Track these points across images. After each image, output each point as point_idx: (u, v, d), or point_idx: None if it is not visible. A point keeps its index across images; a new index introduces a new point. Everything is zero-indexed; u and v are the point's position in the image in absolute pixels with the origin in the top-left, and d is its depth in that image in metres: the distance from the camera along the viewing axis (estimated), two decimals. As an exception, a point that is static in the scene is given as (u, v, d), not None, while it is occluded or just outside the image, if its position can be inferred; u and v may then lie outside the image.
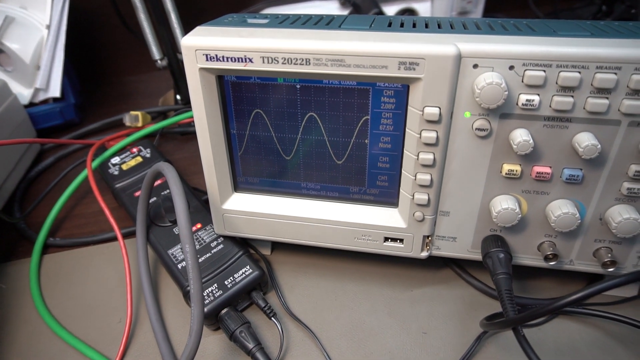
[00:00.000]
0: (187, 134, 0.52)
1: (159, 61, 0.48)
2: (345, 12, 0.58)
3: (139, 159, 0.43)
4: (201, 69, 0.29)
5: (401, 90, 0.28)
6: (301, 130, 0.31)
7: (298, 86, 0.30)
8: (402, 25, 0.30)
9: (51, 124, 0.51)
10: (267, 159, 0.33)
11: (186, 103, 0.53)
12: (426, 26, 0.30)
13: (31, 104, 0.51)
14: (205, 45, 0.28)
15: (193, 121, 0.51)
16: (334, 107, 0.30)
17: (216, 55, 0.28)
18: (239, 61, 0.28)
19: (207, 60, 0.28)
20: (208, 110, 0.30)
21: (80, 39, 0.54)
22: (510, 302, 0.27)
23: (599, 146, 0.26)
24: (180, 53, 0.49)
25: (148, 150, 0.44)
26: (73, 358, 0.33)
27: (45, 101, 0.52)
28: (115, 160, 0.43)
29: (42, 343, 0.34)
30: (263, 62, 0.28)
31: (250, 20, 0.31)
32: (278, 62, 0.28)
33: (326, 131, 0.31)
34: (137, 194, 0.41)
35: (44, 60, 0.49)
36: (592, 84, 0.25)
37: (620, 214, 0.28)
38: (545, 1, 0.68)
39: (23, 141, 0.39)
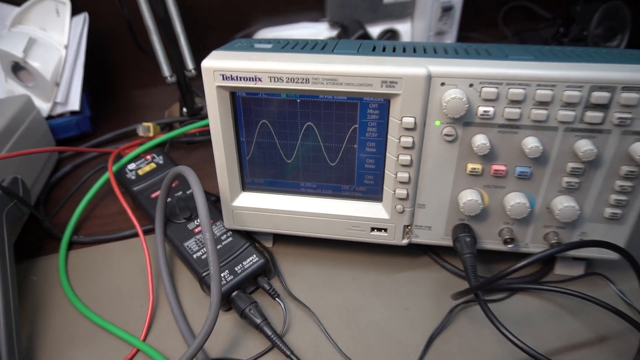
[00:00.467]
0: (193, 143, 0.57)
1: (168, 78, 0.54)
2: (334, 33, 0.64)
3: (153, 165, 0.49)
4: (218, 86, 0.35)
5: (383, 104, 0.34)
6: (300, 138, 0.37)
7: (298, 100, 0.36)
8: (384, 49, 0.36)
9: (68, 135, 0.56)
10: (271, 162, 0.39)
11: (191, 115, 0.58)
12: (404, 51, 0.36)
13: (49, 117, 0.56)
14: (222, 67, 0.34)
15: (198, 132, 0.56)
16: (328, 118, 0.36)
17: (231, 75, 0.34)
18: (249, 80, 0.34)
19: (223, 79, 0.34)
20: (222, 120, 0.36)
21: (92, 56, 0.59)
22: (473, 274, 0.33)
23: (541, 148, 0.32)
24: (188, 70, 0.55)
25: (161, 157, 0.50)
26: (103, 338, 0.38)
27: (61, 114, 0.57)
28: (132, 166, 0.49)
29: (74, 326, 0.39)
30: (270, 81, 0.34)
31: (257, 45, 0.37)
32: (283, 81, 0.34)
33: (321, 138, 0.37)
34: (153, 195, 0.46)
35: (64, 77, 0.54)
36: (534, 98, 0.32)
37: (561, 203, 0.34)
38: (513, 21, 0.75)
39: (50, 149, 0.44)
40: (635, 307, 0.37)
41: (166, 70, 0.53)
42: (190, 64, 0.54)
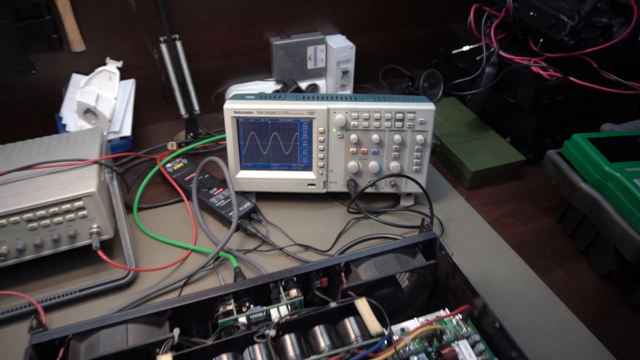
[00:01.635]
0: (197, 154, 0.94)
1: (183, 115, 0.91)
2: (278, 87, 1.04)
3: (181, 164, 0.85)
4: (231, 116, 0.73)
5: (310, 121, 0.74)
6: (270, 140, 0.76)
7: (269, 122, 0.75)
8: (309, 98, 0.77)
9: (119, 152, 0.90)
10: (255, 153, 0.77)
11: (194, 137, 0.95)
12: (318, 98, 0.76)
13: (104, 141, 0.90)
14: (234, 107, 0.72)
15: (200, 147, 0.93)
16: (283, 130, 0.75)
17: (238, 111, 0.72)
18: (247, 113, 0.73)
19: (234, 113, 0.73)
20: (232, 133, 0.74)
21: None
22: (354, 196, 0.74)
23: (379, 139, 0.74)
24: (195, 110, 0.92)
25: (185, 160, 0.86)
26: (169, 249, 0.73)
27: (111, 139, 0.91)
28: (169, 165, 0.84)
29: (152, 246, 0.74)
30: (256, 113, 0.73)
31: (247, 97, 0.76)
32: (262, 113, 0.73)
33: (280, 140, 0.76)
34: (186, 178, 0.82)
35: (115, 116, 0.89)
36: (373, 117, 0.73)
37: (392, 164, 0.76)
38: (388, 76, 1.20)
39: (128, 154, 0.79)
40: (430, 210, 0.78)
41: (182, 110, 0.90)
42: (196, 107, 0.92)
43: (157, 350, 0.45)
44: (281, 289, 0.52)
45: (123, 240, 0.69)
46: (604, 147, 0.69)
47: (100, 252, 0.63)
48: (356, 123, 0.74)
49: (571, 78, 0.77)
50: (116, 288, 0.66)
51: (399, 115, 0.73)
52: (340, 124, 0.73)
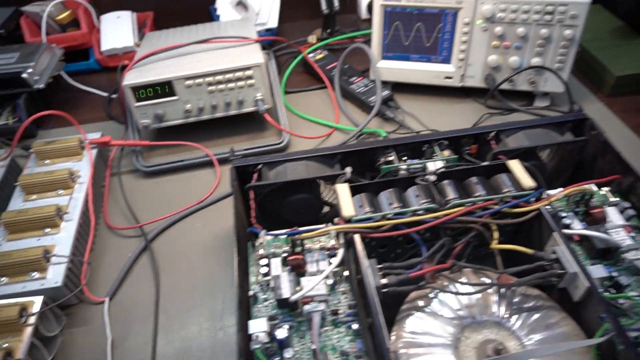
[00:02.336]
0: (332, 49, 1.00)
1: (324, 10, 0.96)
2: None
3: (322, 55, 0.92)
4: (381, 4, 0.77)
5: (455, 12, 0.76)
6: (413, 31, 0.79)
7: (415, 12, 0.78)
8: (455, -11, 0.78)
9: (266, 42, 0.99)
10: (397, 44, 0.81)
11: (330, 34, 1.00)
12: (464, -10, 0.77)
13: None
14: (384, -5, 0.76)
15: (335, 44, 0.98)
16: (427, 20, 0.78)
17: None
18: (395, 1, 0.76)
19: (383, 1, 0.76)
20: (378, 23, 0.78)
21: None
22: (492, 89, 0.76)
23: (524, 33, 0.74)
24: (335, 7, 0.97)
25: (325, 51, 0.92)
26: (314, 126, 0.82)
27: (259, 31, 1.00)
28: (311, 55, 0.92)
29: (299, 124, 0.83)
30: (405, 1, 0.76)
31: (394, -13, 0.79)
32: (410, 1, 0.76)
33: (424, 31, 0.79)
34: (327, 67, 0.89)
35: (265, 8, 0.97)
36: (522, 9, 0.73)
37: (534, 60, 0.76)
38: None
39: (275, 38, 0.88)
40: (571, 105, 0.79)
41: (324, 6, 0.96)
42: (336, 3, 0.97)
43: (327, 183, 0.54)
44: (436, 148, 0.58)
45: (280, 110, 0.79)
46: None
47: (266, 115, 0.73)
48: (503, 15, 0.74)
49: None
50: (272, 151, 0.77)
51: (550, 8, 0.72)
52: (487, 15, 0.74)
